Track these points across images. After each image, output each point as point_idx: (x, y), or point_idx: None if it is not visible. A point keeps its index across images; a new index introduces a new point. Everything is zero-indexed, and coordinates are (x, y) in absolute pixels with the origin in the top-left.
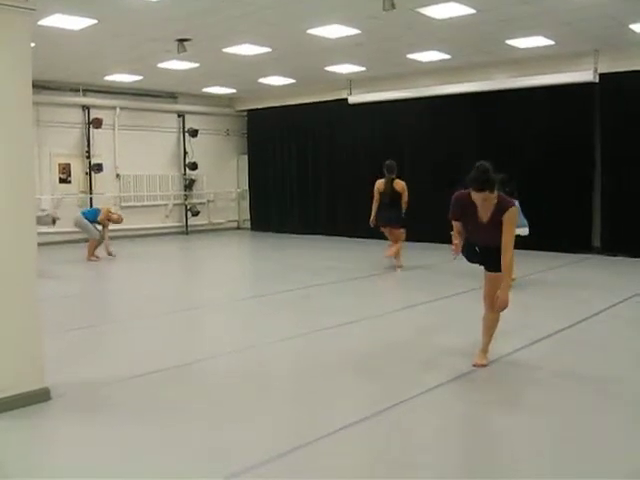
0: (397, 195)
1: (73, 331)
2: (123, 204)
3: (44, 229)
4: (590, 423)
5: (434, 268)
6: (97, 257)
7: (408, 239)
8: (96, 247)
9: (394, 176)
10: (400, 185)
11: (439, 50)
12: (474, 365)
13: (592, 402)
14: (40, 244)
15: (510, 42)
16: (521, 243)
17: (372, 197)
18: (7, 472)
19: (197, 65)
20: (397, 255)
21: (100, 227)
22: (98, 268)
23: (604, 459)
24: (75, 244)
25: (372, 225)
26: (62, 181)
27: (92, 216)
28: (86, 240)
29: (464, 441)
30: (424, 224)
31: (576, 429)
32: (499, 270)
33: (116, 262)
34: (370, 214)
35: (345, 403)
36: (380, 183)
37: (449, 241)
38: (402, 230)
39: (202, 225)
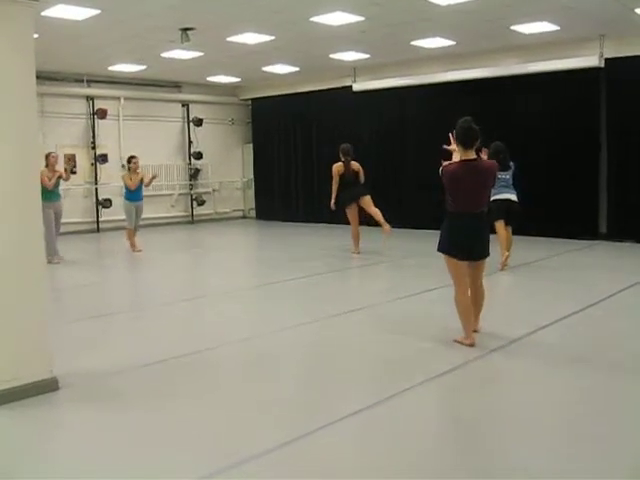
0: (356, 174)
1: (83, 320)
2: None
3: None
4: (596, 412)
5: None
6: (135, 247)
7: (413, 227)
8: (133, 236)
9: (350, 158)
10: (356, 165)
11: (443, 36)
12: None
13: (599, 390)
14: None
15: (515, 28)
16: (530, 228)
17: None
18: (14, 462)
19: (201, 54)
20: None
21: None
22: (106, 258)
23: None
24: (84, 234)
25: (334, 209)
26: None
27: (128, 193)
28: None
29: (459, 432)
30: (428, 211)
31: (582, 419)
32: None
33: (125, 252)
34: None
35: (350, 391)
36: (340, 166)
37: None
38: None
39: (208, 214)
